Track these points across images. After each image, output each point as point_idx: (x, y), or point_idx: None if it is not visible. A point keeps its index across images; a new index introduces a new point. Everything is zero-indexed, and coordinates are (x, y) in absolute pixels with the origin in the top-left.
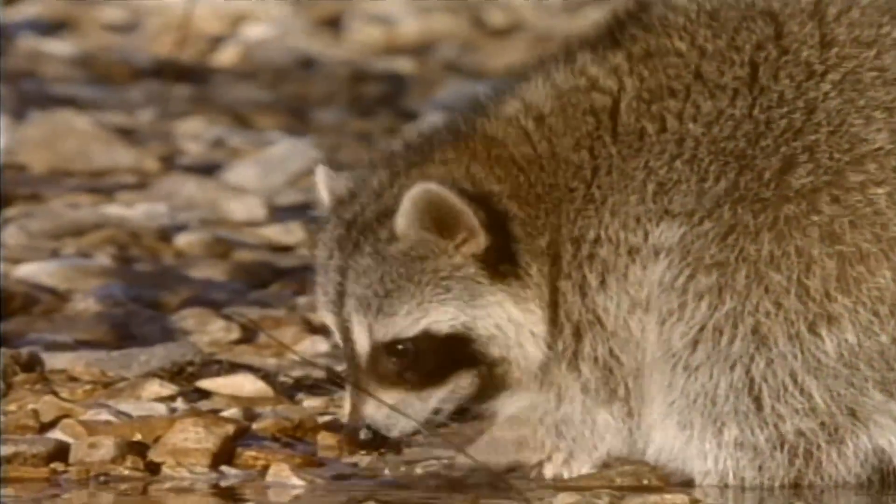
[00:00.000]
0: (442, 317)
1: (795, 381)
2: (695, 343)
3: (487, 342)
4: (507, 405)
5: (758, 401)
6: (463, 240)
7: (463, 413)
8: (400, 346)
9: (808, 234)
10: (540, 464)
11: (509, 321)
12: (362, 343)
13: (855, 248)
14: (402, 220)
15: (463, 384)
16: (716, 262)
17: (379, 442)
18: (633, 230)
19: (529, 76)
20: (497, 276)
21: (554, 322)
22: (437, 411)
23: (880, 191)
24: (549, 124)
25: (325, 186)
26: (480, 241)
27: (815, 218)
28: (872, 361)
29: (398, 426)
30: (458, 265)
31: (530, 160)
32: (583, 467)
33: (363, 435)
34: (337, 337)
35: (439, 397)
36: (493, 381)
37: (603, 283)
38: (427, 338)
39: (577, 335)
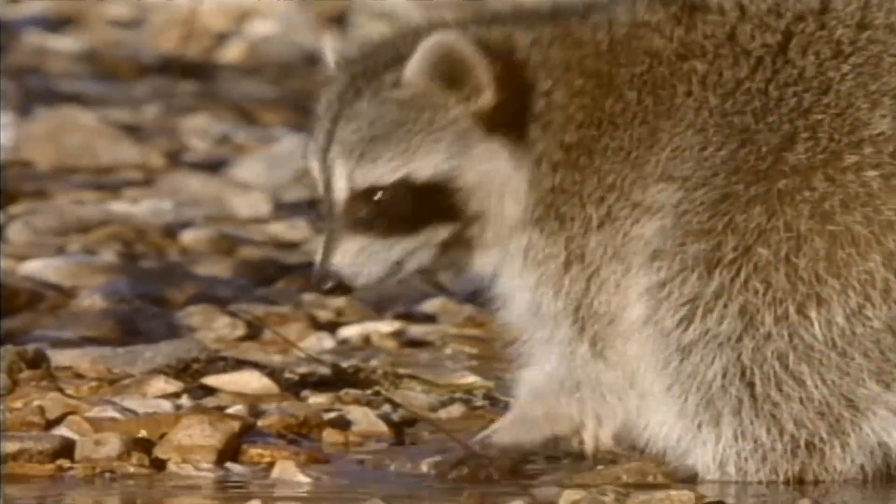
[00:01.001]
0: (426, 164)
1: (786, 367)
2: (686, 321)
3: (469, 194)
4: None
5: (751, 387)
6: (469, 94)
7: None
8: (376, 193)
9: (798, 209)
10: (578, 437)
11: (497, 172)
12: (340, 188)
13: (845, 228)
14: (412, 67)
15: (436, 238)
16: (704, 230)
17: (343, 290)
18: (643, 189)
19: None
20: (498, 130)
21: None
22: (401, 262)
23: (874, 173)
24: (616, 51)
25: (331, 50)
26: (487, 97)
27: (807, 194)
28: (867, 350)
29: (363, 274)
30: (454, 119)
31: (597, 73)
32: (611, 431)
33: (327, 284)
34: (319, 186)
35: (406, 247)
36: (464, 241)
37: (601, 226)
38: (405, 186)
39: (567, 265)
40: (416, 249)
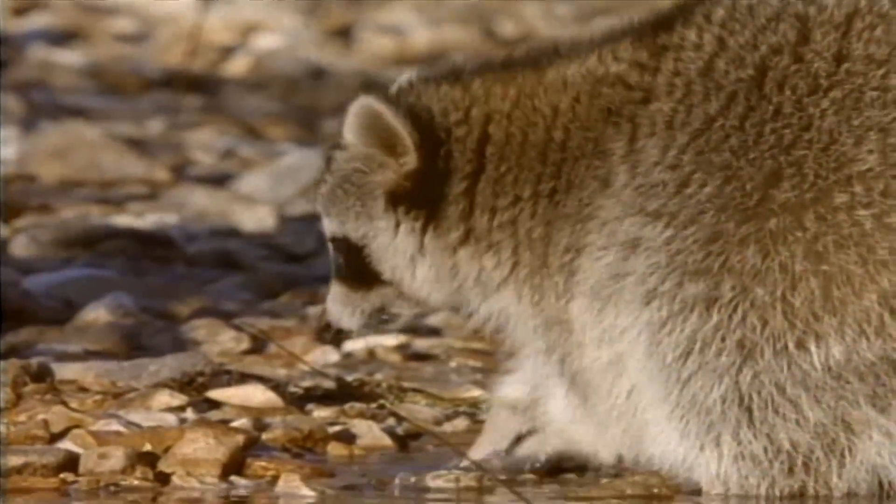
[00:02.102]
0: (348, 226)
1: (783, 393)
2: (686, 355)
3: (378, 261)
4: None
5: (749, 411)
6: (399, 157)
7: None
8: (335, 245)
9: (791, 249)
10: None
11: (396, 249)
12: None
13: (840, 269)
14: (347, 131)
15: (396, 292)
16: (700, 270)
17: (334, 337)
18: (598, 231)
19: (594, 47)
20: (403, 204)
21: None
22: (377, 312)
23: (866, 212)
24: (573, 114)
25: None
26: (411, 162)
27: (799, 234)
28: (863, 376)
29: (343, 320)
30: (381, 182)
31: (541, 140)
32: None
33: (327, 334)
34: None
35: (374, 302)
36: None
37: (567, 284)
38: (347, 242)
39: (558, 324)
40: (388, 300)
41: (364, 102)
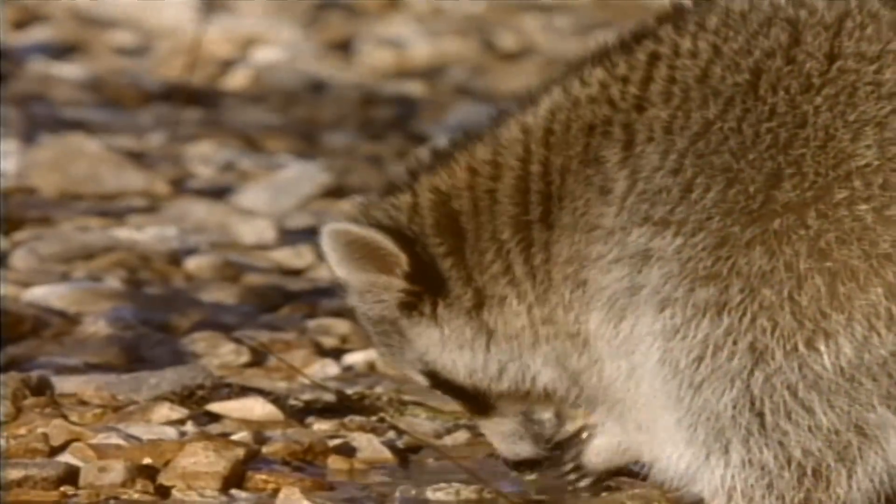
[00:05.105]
0: (413, 361)
1: (795, 396)
2: (698, 360)
3: (449, 375)
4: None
5: (760, 416)
6: (396, 267)
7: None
8: (444, 386)
9: (795, 248)
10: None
11: (433, 345)
12: None
13: (843, 264)
14: (334, 266)
15: (514, 404)
16: (710, 275)
17: (532, 465)
18: (604, 241)
19: (549, 90)
20: (416, 308)
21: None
22: (525, 428)
23: (867, 206)
24: (550, 141)
25: None
26: (402, 264)
27: (802, 232)
28: (875, 375)
29: (515, 451)
30: (396, 300)
31: (517, 181)
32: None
33: (512, 464)
34: None
35: (509, 422)
36: (515, 395)
37: (570, 305)
38: (434, 373)
39: (585, 344)
40: (521, 415)
41: (334, 230)
